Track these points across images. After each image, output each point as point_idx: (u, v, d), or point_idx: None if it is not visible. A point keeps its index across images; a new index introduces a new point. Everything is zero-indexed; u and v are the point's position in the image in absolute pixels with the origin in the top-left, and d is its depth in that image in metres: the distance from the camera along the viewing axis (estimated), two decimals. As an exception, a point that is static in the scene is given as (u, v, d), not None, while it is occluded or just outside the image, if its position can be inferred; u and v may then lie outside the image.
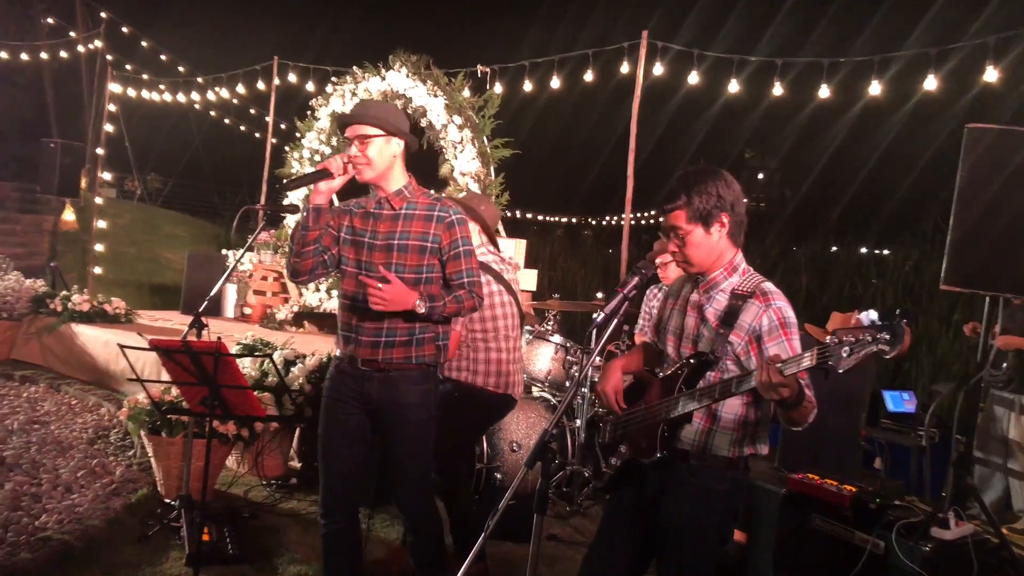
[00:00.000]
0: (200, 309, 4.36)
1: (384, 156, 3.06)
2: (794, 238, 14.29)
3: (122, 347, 3.16)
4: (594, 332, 5.05)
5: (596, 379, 3.22)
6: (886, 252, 12.90)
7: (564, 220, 24.63)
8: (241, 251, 4.29)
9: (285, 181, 3.07)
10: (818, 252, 13.06)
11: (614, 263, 14.36)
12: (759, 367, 2.30)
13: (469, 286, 3.13)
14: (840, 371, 2.11)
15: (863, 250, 13.37)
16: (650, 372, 2.79)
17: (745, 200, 2.63)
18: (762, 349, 2.46)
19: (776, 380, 2.23)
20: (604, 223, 23.95)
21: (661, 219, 2.64)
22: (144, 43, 13.31)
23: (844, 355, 2.09)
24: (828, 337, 2.15)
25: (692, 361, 2.57)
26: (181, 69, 13.38)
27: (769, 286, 2.54)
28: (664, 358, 2.76)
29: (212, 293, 4.63)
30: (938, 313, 9.28)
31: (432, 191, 3.25)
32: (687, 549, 2.56)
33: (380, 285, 2.91)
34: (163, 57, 13.35)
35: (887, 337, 2.04)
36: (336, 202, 3.44)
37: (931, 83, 6.77)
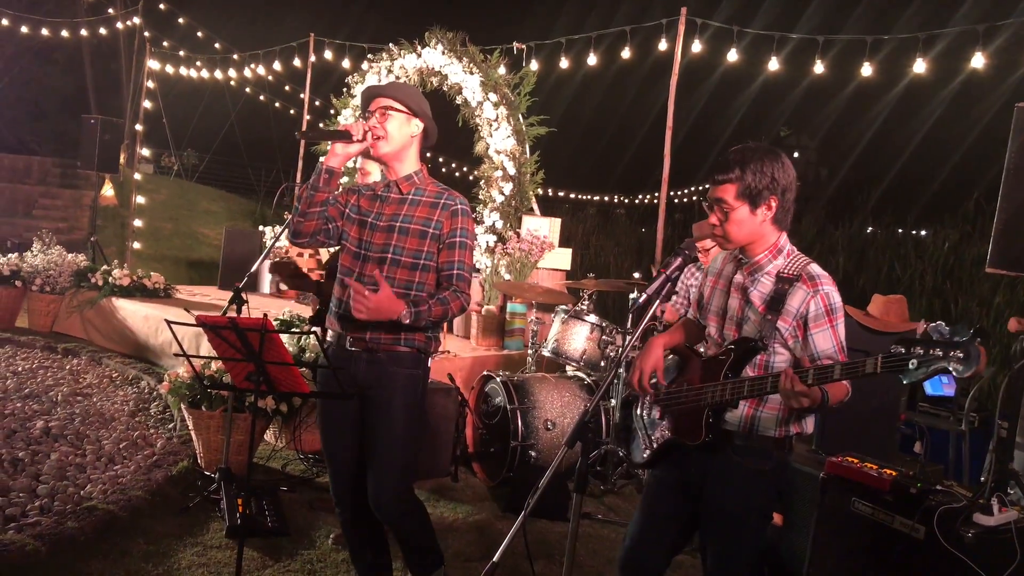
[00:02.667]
0: (240, 285, 4.43)
1: (402, 134, 3.02)
2: (831, 218, 14.03)
3: (169, 323, 3.20)
4: (634, 313, 5.07)
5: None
6: (923, 233, 12.67)
7: (596, 199, 24.40)
8: (281, 229, 4.33)
9: (305, 129, 3.00)
10: (855, 232, 12.83)
11: (647, 242, 14.24)
12: (783, 374, 2.27)
13: (457, 280, 3.03)
14: (905, 383, 2.01)
15: (900, 231, 13.13)
16: (691, 349, 2.77)
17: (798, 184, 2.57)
18: (808, 335, 2.44)
19: (798, 389, 2.21)
20: (637, 202, 23.73)
21: (708, 187, 2.56)
22: (181, 20, 13.43)
23: (911, 367, 1.99)
24: (893, 347, 2.02)
25: (739, 347, 2.53)
26: (218, 46, 13.48)
27: (816, 269, 2.50)
28: (707, 337, 2.73)
29: (252, 270, 4.70)
30: (978, 296, 9.11)
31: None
32: (733, 530, 2.55)
33: (367, 293, 2.82)
34: (200, 34, 13.46)
35: (961, 356, 1.91)
36: None
37: (978, 60, 6.62)
